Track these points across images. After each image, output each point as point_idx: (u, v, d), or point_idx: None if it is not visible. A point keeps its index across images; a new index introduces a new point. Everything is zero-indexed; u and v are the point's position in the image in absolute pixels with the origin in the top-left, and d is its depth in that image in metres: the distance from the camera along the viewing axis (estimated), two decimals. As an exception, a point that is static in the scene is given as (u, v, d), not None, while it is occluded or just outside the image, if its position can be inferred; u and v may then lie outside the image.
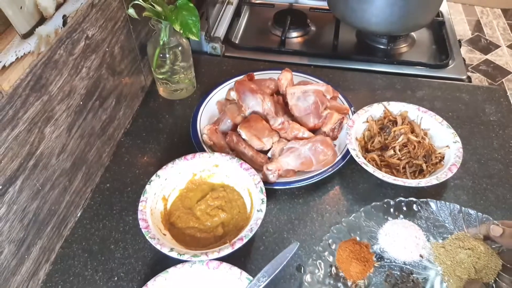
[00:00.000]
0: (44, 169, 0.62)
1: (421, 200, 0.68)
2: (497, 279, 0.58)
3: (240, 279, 0.59)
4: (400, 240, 0.64)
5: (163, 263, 0.66)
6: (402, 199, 0.69)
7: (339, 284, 0.61)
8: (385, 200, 0.69)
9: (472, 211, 0.66)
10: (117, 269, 0.67)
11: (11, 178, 0.56)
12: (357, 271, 0.61)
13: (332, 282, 0.61)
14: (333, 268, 0.63)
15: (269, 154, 0.80)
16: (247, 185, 0.70)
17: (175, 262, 0.61)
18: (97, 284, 0.65)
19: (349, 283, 0.61)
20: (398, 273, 0.62)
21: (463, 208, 0.66)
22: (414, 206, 0.68)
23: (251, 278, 0.59)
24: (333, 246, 0.65)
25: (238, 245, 0.60)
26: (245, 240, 0.60)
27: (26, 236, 0.61)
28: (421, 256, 0.63)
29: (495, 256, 0.59)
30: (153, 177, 0.69)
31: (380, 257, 0.64)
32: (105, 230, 0.72)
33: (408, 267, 0.62)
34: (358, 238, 0.66)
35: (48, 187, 0.64)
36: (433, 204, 0.68)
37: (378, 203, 0.69)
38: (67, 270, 0.67)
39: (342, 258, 0.63)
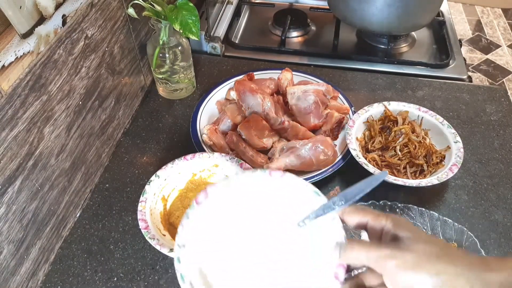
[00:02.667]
0: (43, 169, 0.62)
1: (403, 205, 0.71)
2: None
3: (306, 190, 0.49)
4: None
5: (163, 263, 0.66)
6: (387, 202, 0.71)
7: None
8: (370, 202, 0.71)
9: (449, 220, 0.68)
10: (116, 269, 0.67)
11: (10, 178, 0.55)
12: None
13: None
14: None
15: (269, 154, 0.79)
16: None
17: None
18: (97, 285, 0.65)
19: None
20: None
21: (440, 216, 0.69)
22: (397, 210, 0.71)
23: (318, 191, 0.48)
24: None
25: None
26: None
27: (25, 236, 0.61)
28: None
29: None
30: (153, 177, 0.69)
31: None
32: (105, 230, 0.72)
33: None
34: None
35: (47, 187, 0.64)
36: (414, 210, 0.70)
37: (364, 203, 0.71)
38: (67, 271, 0.67)
39: None
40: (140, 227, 0.63)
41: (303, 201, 0.49)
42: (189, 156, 0.72)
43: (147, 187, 0.68)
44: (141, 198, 0.66)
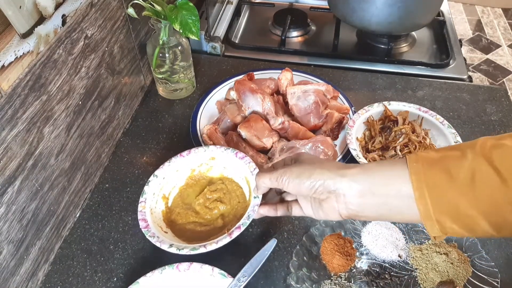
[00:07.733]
0: (43, 169, 0.62)
1: None
2: (466, 284, 0.63)
3: (213, 275, 0.60)
4: (382, 239, 0.68)
5: (162, 263, 0.66)
6: None
7: (322, 272, 0.65)
8: None
9: None
10: (116, 269, 0.67)
11: (10, 178, 0.55)
12: (339, 264, 0.65)
13: (315, 271, 0.65)
14: (317, 259, 0.67)
15: (269, 154, 0.79)
16: (244, 174, 0.69)
17: (173, 262, 0.61)
18: (96, 285, 0.65)
19: (332, 273, 0.65)
20: (378, 269, 0.65)
21: None
22: None
23: (224, 273, 0.59)
24: (319, 238, 0.68)
25: (236, 233, 0.58)
26: (242, 228, 0.59)
27: (25, 236, 0.61)
28: (399, 256, 0.67)
29: (467, 263, 0.64)
30: (151, 178, 0.68)
31: (362, 253, 0.67)
32: (104, 230, 0.72)
33: (387, 265, 0.66)
34: (342, 233, 0.69)
35: (47, 187, 0.64)
36: None
37: None
38: (66, 271, 0.67)
39: (327, 250, 0.66)
40: (140, 227, 0.62)
41: (213, 284, 0.59)
42: (185, 153, 0.71)
43: (145, 187, 0.67)
44: (141, 199, 0.66)
